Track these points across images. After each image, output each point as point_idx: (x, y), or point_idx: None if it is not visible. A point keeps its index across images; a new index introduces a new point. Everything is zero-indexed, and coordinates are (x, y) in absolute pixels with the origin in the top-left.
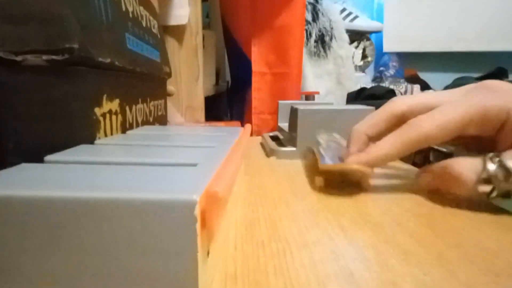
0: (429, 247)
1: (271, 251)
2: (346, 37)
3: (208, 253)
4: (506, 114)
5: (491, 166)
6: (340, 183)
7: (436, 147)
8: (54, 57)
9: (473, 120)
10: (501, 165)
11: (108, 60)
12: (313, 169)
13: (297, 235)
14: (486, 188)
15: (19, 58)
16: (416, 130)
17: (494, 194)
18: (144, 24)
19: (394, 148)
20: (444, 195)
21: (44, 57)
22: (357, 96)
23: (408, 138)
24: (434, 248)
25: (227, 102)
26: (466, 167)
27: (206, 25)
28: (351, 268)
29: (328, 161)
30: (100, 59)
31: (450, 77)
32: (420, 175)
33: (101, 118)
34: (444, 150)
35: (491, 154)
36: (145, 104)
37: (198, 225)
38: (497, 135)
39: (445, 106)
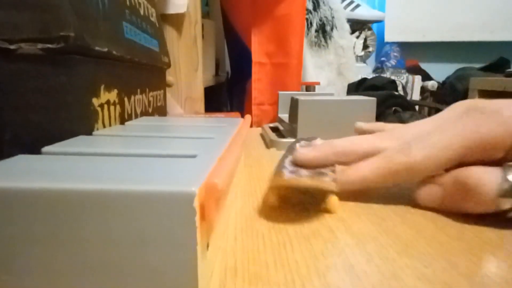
0: (430, 239)
1: (271, 243)
2: (347, 27)
3: (207, 245)
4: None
5: None
6: (300, 202)
7: None
8: (49, 45)
9: (471, 151)
10: None
11: (105, 49)
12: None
13: (297, 227)
14: (509, 203)
15: (13, 47)
16: (404, 158)
17: None
18: (142, 13)
19: (375, 174)
20: (452, 211)
21: (39, 45)
22: (358, 87)
23: (395, 165)
24: (435, 240)
25: (227, 93)
26: (485, 178)
27: (205, 14)
28: (351, 260)
29: (287, 174)
30: (96, 48)
31: (452, 67)
32: (423, 188)
33: (99, 109)
34: None
35: (511, 163)
36: (144, 95)
37: (197, 217)
38: (507, 156)
39: (435, 135)
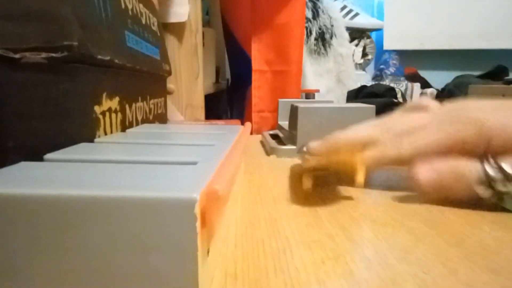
0: (429, 245)
1: (271, 249)
2: (346, 35)
3: (208, 252)
4: (486, 142)
5: (491, 170)
6: (329, 180)
7: None
8: (53, 54)
9: (453, 148)
10: (501, 171)
11: (108, 58)
12: (299, 171)
13: (297, 234)
14: (486, 192)
15: (18, 56)
16: (396, 150)
17: (494, 199)
18: (143, 22)
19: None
20: (439, 197)
21: (43, 54)
22: (357, 94)
23: (389, 155)
24: (434, 246)
25: (227, 100)
26: (469, 168)
27: (206, 23)
28: (351, 267)
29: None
30: (99, 56)
31: (450, 75)
32: (421, 172)
33: (100, 116)
34: None
35: (490, 159)
36: (145, 102)
37: (198, 224)
38: (486, 151)
39: (424, 132)
